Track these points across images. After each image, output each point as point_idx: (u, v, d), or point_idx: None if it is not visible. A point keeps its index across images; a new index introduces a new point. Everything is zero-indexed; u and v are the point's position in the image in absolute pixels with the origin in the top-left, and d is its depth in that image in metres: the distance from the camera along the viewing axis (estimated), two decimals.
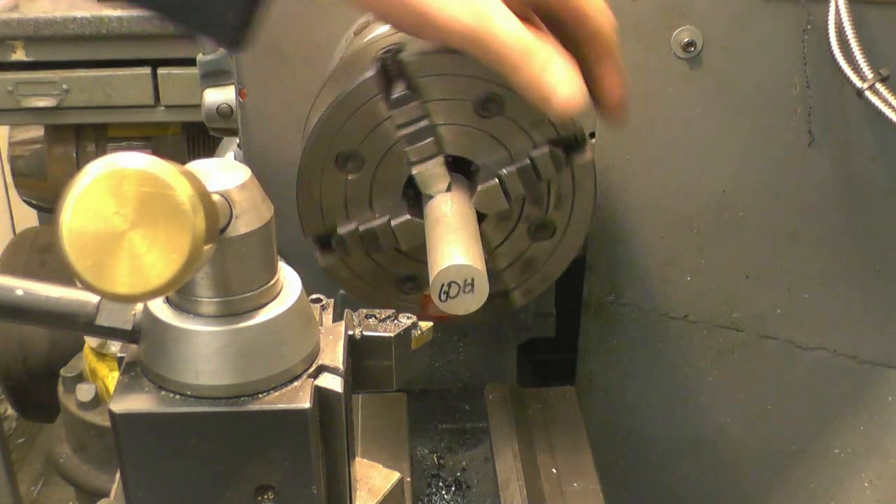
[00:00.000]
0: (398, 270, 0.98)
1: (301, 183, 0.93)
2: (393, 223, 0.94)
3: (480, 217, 0.94)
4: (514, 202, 0.94)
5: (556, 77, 0.79)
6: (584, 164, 0.93)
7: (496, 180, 0.92)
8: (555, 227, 0.97)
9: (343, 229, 0.94)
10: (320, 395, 0.64)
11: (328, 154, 0.92)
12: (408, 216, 0.93)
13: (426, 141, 0.90)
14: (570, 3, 0.83)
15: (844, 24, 0.95)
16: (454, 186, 0.92)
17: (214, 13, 0.78)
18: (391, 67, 0.88)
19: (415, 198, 0.94)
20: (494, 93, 0.90)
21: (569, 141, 0.92)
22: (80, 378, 1.91)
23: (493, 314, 1.02)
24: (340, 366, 0.66)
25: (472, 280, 0.81)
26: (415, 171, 0.91)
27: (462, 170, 0.94)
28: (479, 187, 0.92)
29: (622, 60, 0.86)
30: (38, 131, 2.37)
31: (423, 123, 0.89)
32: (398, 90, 0.88)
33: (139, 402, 0.62)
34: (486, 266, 0.88)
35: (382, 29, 1.03)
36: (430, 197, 0.91)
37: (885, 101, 0.94)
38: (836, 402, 1.18)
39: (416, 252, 0.95)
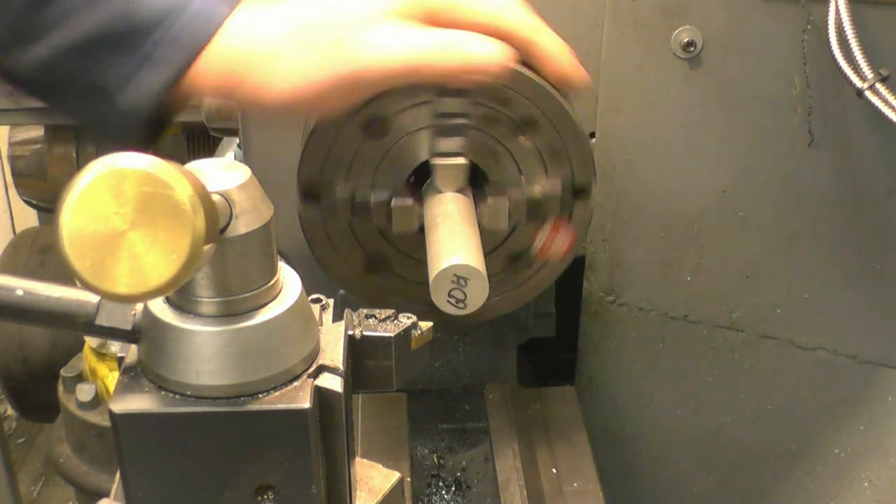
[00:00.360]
0: (370, 247, 0.97)
1: (319, 127, 0.91)
2: (393, 203, 0.93)
3: None
4: (515, 229, 0.95)
5: (476, 49, 0.81)
6: (585, 216, 0.94)
7: (507, 199, 0.92)
8: (531, 262, 0.98)
9: (341, 190, 0.94)
10: (320, 395, 0.64)
11: (359, 111, 0.91)
12: (410, 201, 0.93)
13: (458, 138, 0.89)
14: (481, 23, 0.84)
15: (844, 24, 0.95)
16: (463, 190, 0.92)
17: (123, 130, 0.84)
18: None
19: (415, 185, 0.94)
20: (533, 117, 0.90)
21: (579, 187, 0.93)
22: (80, 378, 1.91)
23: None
24: (340, 366, 0.66)
25: (473, 281, 0.81)
26: (436, 161, 0.90)
27: (471, 177, 0.93)
28: (490, 201, 0.92)
29: (551, 35, 0.86)
30: (38, 131, 2.37)
31: (463, 121, 0.89)
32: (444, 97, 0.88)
33: (139, 402, 0.62)
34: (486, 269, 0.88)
35: None
36: (439, 191, 0.91)
37: (885, 101, 0.94)
38: (836, 402, 1.18)
39: (397, 237, 0.95)
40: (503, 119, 0.90)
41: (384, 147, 0.92)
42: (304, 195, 0.94)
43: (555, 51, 0.86)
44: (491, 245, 0.96)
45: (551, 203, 0.93)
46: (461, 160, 0.90)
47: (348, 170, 0.93)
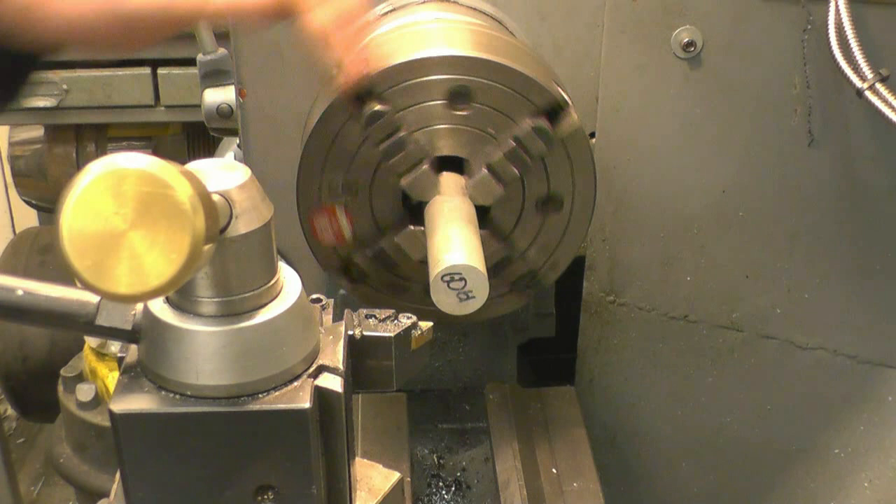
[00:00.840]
0: (422, 279, 0.98)
1: (306, 222, 0.95)
2: (396, 238, 0.94)
3: (484, 208, 0.94)
4: (513, 185, 0.94)
5: None
6: (571, 129, 0.93)
7: (483, 170, 0.92)
8: (562, 199, 0.97)
9: (358, 257, 0.96)
10: (320, 395, 0.64)
11: (321, 188, 0.93)
12: (409, 227, 0.94)
13: (406, 150, 0.90)
14: None
15: (844, 24, 0.95)
16: (447, 186, 0.92)
17: None
18: (356, 91, 0.89)
19: (416, 207, 0.94)
20: (461, 85, 0.90)
21: (550, 111, 0.92)
22: (80, 378, 1.91)
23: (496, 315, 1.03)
24: (340, 366, 0.66)
25: (472, 280, 0.81)
26: (403, 182, 0.92)
27: (454, 167, 0.94)
28: (470, 181, 0.92)
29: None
30: (38, 131, 2.37)
31: (400, 134, 0.90)
32: (368, 108, 0.89)
33: (139, 402, 0.62)
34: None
35: (383, 28, 1.03)
36: (426, 203, 0.92)
37: (885, 101, 0.94)
38: (836, 402, 1.18)
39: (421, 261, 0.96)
40: (436, 104, 0.91)
41: (366, 199, 0.95)
42: (343, 280, 0.98)
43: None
44: (516, 210, 0.97)
45: (530, 141, 0.92)
46: (421, 166, 0.92)
47: (354, 237, 0.96)
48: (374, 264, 0.96)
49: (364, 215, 0.94)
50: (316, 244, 0.96)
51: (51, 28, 0.80)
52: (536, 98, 0.91)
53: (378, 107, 0.88)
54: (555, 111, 0.92)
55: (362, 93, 0.88)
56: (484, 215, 0.94)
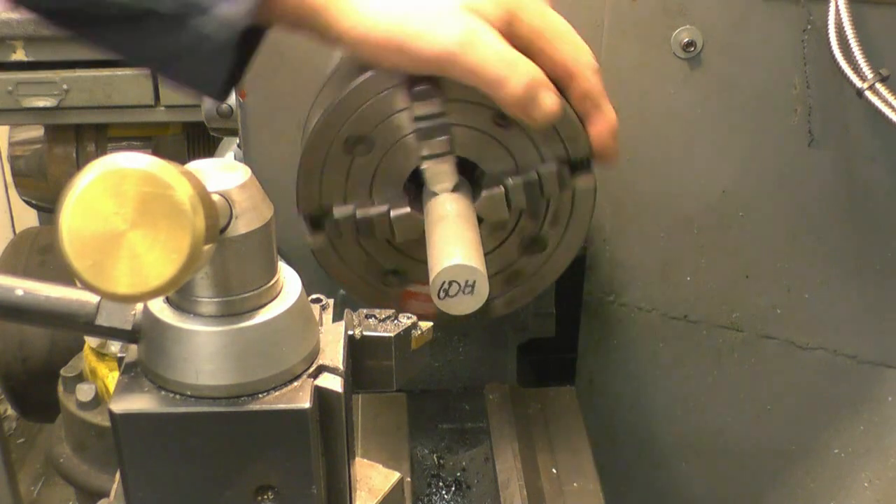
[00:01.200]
0: (385, 262, 0.98)
1: (305, 158, 0.92)
2: (392, 214, 0.93)
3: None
4: (512, 213, 0.94)
5: (539, 92, 0.82)
6: (587, 187, 0.94)
7: (501, 188, 0.92)
8: (546, 244, 0.97)
9: (339, 212, 0.94)
10: (320, 395, 0.64)
11: (339, 134, 0.91)
12: (408, 209, 0.93)
13: (441, 138, 0.89)
14: (559, 67, 0.85)
15: (844, 24, 0.95)
16: (459, 188, 0.92)
17: (204, 73, 0.80)
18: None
19: (415, 192, 0.94)
20: None
21: (576, 162, 0.93)
22: (80, 378, 1.91)
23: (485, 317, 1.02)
24: (340, 366, 0.66)
25: (473, 281, 0.81)
26: (424, 165, 0.90)
27: (467, 174, 0.93)
28: (484, 193, 0.92)
29: (610, 107, 0.89)
30: (38, 131, 2.37)
31: (442, 121, 0.89)
32: (422, 83, 0.88)
33: (139, 402, 0.62)
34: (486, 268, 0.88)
35: None
36: (434, 194, 0.91)
37: (885, 101, 0.94)
38: (836, 402, 1.18)
39: (407, 246, 0.95)
40: (484, 109, 0.90)
41: (373, 162, 0.92)
42: (308, 227, 0.95)
43: (611, 122, 0.88)
44: (500, 237, 0.96)
45: (549, 182, 0.92)
46: (448, 158, 0.90)
47: (344, 191, 0.94)
48: (350, 228, 0.94)
49: (365, 176, 0.93)
50: (304, 185, 0.94)
51: (330, 38, 0.82)
52: (571, 144, 0.91)
53: (432, 86, 0.87)
54: (580, 163, 0.92)
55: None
56: None
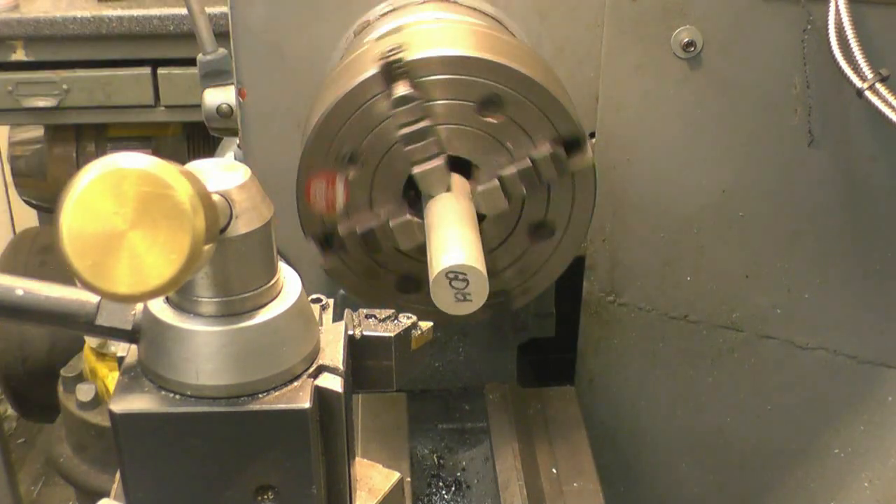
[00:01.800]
0: (398, 269, 0.98)
1: (301, 182, 0.93)
2: (391, 223, 0.93)
3: (480, 217, 0.94)
4: (513, 203, 0.94)
5: None
6: (585, 165, 0.93)
7: (496, 181, 0.92)
8: (554, 228, 0.97)
9: (343, 229, 0.94)
10: (320, 395, 0.64)
11: (328, 153, 0.92)
12: (407, 216, 0.93)
13: (427, 141, 0.90)
14: None
15: (844, 24, 0.95)
16: (455, 187, 0.92)
17: None
18: (394, 67, 0.89)
19: (415, 198, 0.94)
20: (496, 94, 0.90)
21: (569, 141, 0.92)
22: (80, 378, 1.91)
23: (493, 314, 1.02)
24: (340, 366, 0.66)
25: (473, 281, 0.81)
26: (415, 171, 0.91)
27: (462, 170, 0.93)
28: (480, 188, 0.92)
29: None
30: (38, 131, 2.37)
31: (425, 123, 0.89)
32: (400, 89, 0.88)
33: (139, 402, 0.62)
34: (485, 266, 0.88)
35: (383, 29, 1.03)
36: (431, 197, 0.91)
37: (885, 101, 0.94)
38: (836, 402, 1.18)
39: (416, 252, 0.95)
40: (467, 105, 0.90)
41: (368, 174, 0.93)
42: (319, 248, 0.96)
43: None
44: (507, 228, 0.96)
45: (545, 166, 0.92)
46: (438, 160, 0.90)
47: (345, 209, 0.94)
48: (357, 243, 0.95)
49: (363, 191, 0.94)
50: (305, 207, 0.95)
51: None
52: (561, 125, 0.91)
53: (410, 91, 0.88)
54: (574, 142, 0.92)
55: (398, 72, 0.88)
56: None
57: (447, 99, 0.90)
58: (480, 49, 0.91)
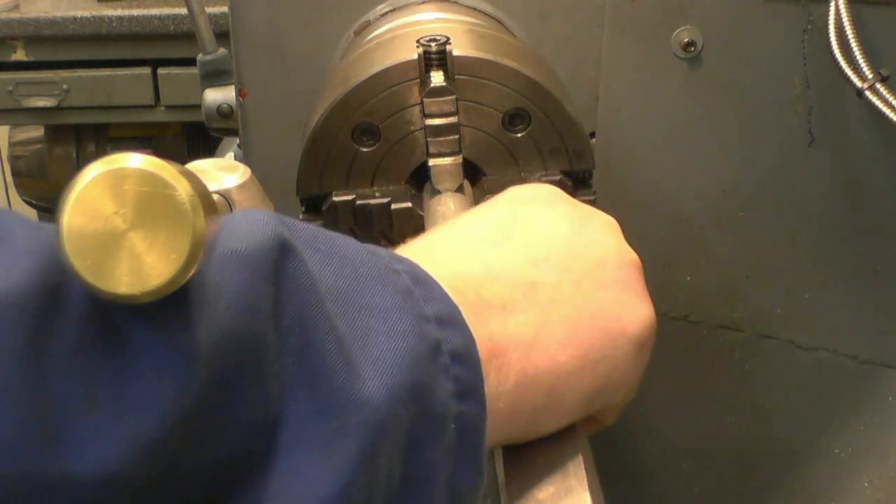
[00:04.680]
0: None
1: (311, 142, 0.92)
2: (393, 206, 0.93)
3: None
4: None
5: None
6: (587, 199, 0.94)
7: None
8: None
9: (339, 197, 0.94)
10: None
11: (348, 122, 0.91)
12: (409, 204, 0.93)
13: (451, 137, 0.89)
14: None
15: (844, 24, 0.95)
16: (461, 189, 0.92)
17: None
18: (434, 57, 0.88)
19: (416, 188, 0.94)
20: (525, 109, 0.90)
21: (578, 176, 0.93)
22: None
23: None
24: None
25: None
26: (432, 162, 0.91)
27: (469, 176, 0.93)
28: (488, 196, 0.92)
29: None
30: (38, 131, 2.37)
31: (453, 119, 0.89)
32: (436, 80, 0.88)
33: None
34: None
35: (383, 28, 1.03)
36: (437, 192, 0.91)
37: (885, 101, 0.94)
38: (836, 402, 1.18)
39: (401, 241, 0.95)
40: (494, 114, 0.90)
41: (379, 154, 0.92)
42: (303, 209, 0.95)
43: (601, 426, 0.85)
44: None
45: None
46: (456, 157, 0.90)
47: (346, 178, 0.94)
48: (349, 215, 0.94)
49: (368, 168, 0.93)
50: (309, 166, 0.93)
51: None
52: (576, 159, 0.92)
53: (446, 83, 0.87)
54: (582, 179, 0.93)
55: (439, 63, 0.87)
56: None
57: (479, 102, 0.90)
58: (520, 61, 0.91)
